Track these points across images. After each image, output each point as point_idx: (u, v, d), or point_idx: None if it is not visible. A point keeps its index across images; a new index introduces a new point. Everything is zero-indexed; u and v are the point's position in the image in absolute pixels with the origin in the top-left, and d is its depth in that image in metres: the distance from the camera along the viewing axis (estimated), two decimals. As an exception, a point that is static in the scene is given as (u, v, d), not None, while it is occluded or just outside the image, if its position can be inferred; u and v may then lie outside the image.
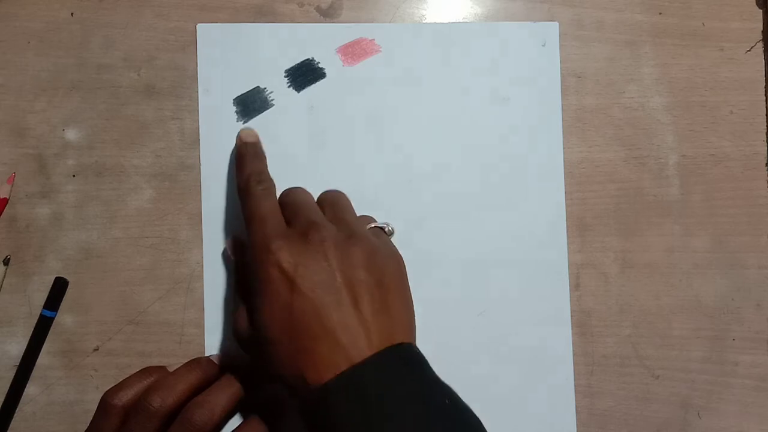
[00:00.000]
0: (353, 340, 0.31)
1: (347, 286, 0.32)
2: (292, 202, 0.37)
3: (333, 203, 0.38)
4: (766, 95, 0.44)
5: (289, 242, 0.33)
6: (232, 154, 0.42)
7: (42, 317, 0.41)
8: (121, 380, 0.37)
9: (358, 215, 0.39)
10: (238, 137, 0.40)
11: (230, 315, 0.40)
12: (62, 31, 0.42)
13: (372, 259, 0.33)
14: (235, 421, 0.40)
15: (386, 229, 0.38)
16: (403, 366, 0.31)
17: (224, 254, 0.41)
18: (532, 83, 0.44)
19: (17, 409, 0.41)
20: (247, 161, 0.38)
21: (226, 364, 0.41)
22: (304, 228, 0.34)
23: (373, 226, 0.38)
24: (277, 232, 0.34)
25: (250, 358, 0.37)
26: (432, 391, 0.31)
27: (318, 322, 0.31)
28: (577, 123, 0.44)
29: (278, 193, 0.38)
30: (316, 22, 0.43)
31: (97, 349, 0.41)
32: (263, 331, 0.32)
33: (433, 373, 0.32)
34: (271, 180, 0.37)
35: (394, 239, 0.39)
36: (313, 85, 0.43)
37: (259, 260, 0.33)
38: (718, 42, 0.44)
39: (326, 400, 0.30)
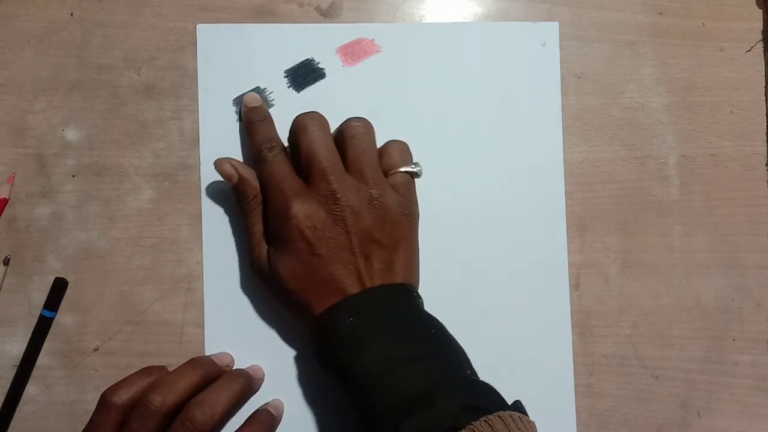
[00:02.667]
0: (358, 282, 0.36)
1: (360, 247, 0.36)
2: (312, 153, 0.37)
3: (358, 154, 0.38)
4: (766, 95, 0.44)
5: (308, 207, 0.36)
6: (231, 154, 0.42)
7: (42, 317, 0.41)
8: (120, 379, 0.37)
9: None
10: (243, 104, 0.41)
11: (247, 247, 0.40)
12: (62, 31, 0.42)
13: (384, 222, 0.37)
14: (236, 420, 0.40)
15: (413, 172, 0.40)
16: (396, 297, 0.37)
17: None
18: (532, 83, 0.43)
19: (17, 409, 0.41)
20: (256, 127, 0.40)
21: (227, 363, 0.41)
22: (324, 196, 0.36)
23: (398, 171, 0.39)
24: (296, 196, 0.36)
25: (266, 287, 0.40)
26: (420, 316, 0.37)
27: (331, 276, 0.36)
28: (577, 123, 0.44)
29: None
30: (316, 22, 0.43)
31: (97, 349, 0.41)
32: (281, 280, 0.37)
33: (423, 308, 0.38)
34: (281, 143, 0.40)
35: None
36: (313, 85, 0.43)
37: (280, 221, 0.37)
38: (718, 42, 0.44)
39: (325, 322, 0.36)
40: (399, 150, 0.40)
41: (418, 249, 0.40)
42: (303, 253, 0.36)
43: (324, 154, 0.37)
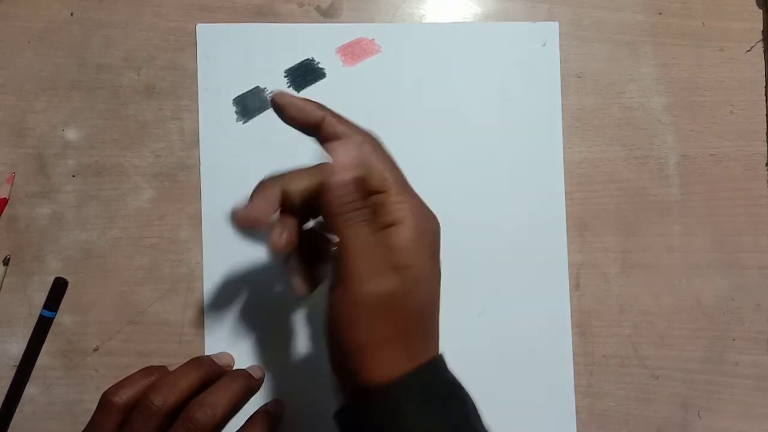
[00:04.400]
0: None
1: None
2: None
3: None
4: (766, 95, 0.44)
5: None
6: (232, 154, 0.42)
7: (42, 317, 0.41)
8: (121, 379, 0.37)
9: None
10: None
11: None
12: (62, 31, 0.42)
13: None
14: (236, 420, 0.40)
15: None
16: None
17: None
18: (532, 83, 0.44)
19: (17, 409, 0.41)
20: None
21: (227, 363, 0.41)
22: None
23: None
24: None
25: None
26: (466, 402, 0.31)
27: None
28: (577, 123, 0.44)
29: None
30: (316, 22, 0.43)
31: (97, 349, 0.41)
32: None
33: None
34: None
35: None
36: (313, 85, 0.43)
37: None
38: (718, 42, 0.44)
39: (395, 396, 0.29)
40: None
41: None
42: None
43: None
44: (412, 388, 0.29)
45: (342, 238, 0.30)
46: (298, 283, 0.33)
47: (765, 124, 0.44)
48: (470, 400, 0.31)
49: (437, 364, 0.31)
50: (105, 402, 0.36)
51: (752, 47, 0.44)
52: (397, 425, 0.29)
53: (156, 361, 0.40)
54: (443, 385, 0.31)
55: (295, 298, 0.34)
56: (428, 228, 0.33)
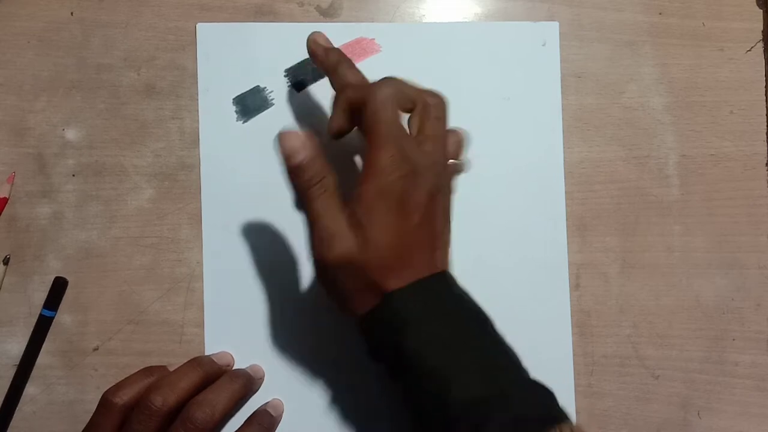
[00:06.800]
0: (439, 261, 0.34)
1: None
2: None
3: (435, 135, 0.35)
4: (766, 95, 0.44)
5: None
6: (231, 153, 0.42)
7: (42, 317, 0.41)
8: (121, 379, 0.37)
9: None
10: (313, 43, 0.38)
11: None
12: (62, 31, 0.42)
13: (446, 210, 0.36)
14: (236, 420, 0.40)
15: (458, 164, 0.38)
16: (455, 283, 0.35)
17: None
18: (532, 83, 0.44)
19: (17, 409, 0.41)
20: (345, 74, 0.37)
21: (227, 363, 0.41)
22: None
23: (453, 163, 0.37)
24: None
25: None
26: (475, 304, 0.35)
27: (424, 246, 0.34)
28: (577, 123, 0.44)
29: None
30: (316, 22, 0.43)
31: (97, 349, 0.41)
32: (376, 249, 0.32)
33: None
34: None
35: None
36: (314, 85, 0.43)
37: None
38: (718, 42, 0.44)
39: (407, 298, 0.32)
40: (455, 142, 0.37)
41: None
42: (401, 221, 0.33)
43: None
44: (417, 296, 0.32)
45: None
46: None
47: (765, 124, 0.44)
48: (481, 312, 0.35)
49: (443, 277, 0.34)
50: (105, 402, 0.36)
51: (752, 47, 0.44)
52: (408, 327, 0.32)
53: (156, 361, 0.40)
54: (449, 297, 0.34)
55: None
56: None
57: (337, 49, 0.38)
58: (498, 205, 0.43)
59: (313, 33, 0.38)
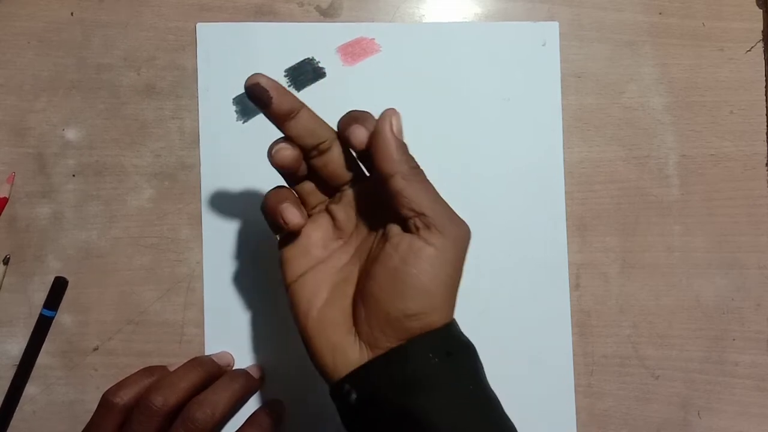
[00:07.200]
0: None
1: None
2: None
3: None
4: (766, 95, 0.44)
5: None
6: (231, 153, 0.42)
7: (42, 317, 0.41)
8: (121, 379, 0.37)
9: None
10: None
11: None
12: (62, 31, 0.42)
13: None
14: (236, 421, 0.40)
15: None
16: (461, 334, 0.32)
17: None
18: (532, 83, 0.44)
19: (17, 409, 0.41)
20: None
21: (227, 363, 0.41)
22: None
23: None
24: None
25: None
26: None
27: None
28: (577, 123, 0.44)
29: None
30: (316, 22, 0.43)
31: (97, 349, 0.41)
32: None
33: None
34: None
35: None
36: (313, 85, 0.43)
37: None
38: (718, 42, 0.44)
39: (405, 357, 0.29)
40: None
41: None
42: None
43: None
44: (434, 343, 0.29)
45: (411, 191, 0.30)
46: (292, 212, 0.31)
47: (765, 124, 0.44)
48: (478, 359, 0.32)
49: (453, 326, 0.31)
50: (105, 402, 0.36)
51: (752, 47, 0.44)
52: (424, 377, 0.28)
53: (156, 361, 0.40)
54: (459, 342, 0.31)
55: (285, 231, 0.32)
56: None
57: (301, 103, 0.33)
58: (498, 205, 0.43)
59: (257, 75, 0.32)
